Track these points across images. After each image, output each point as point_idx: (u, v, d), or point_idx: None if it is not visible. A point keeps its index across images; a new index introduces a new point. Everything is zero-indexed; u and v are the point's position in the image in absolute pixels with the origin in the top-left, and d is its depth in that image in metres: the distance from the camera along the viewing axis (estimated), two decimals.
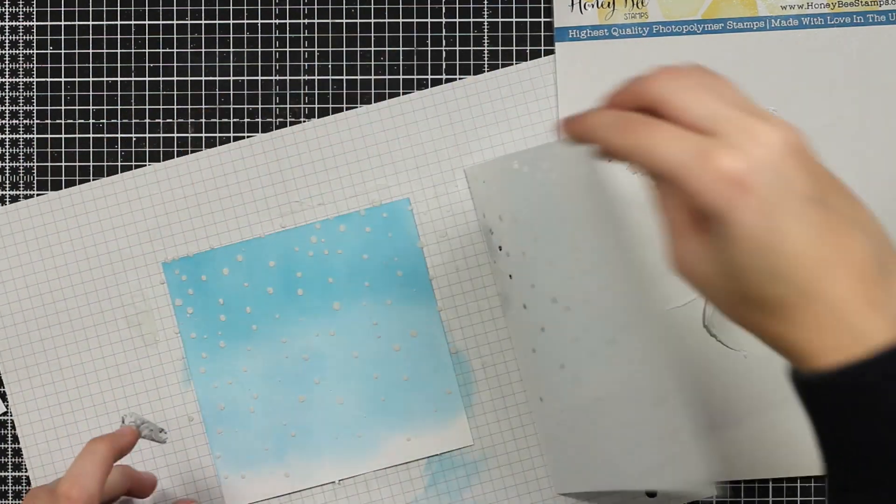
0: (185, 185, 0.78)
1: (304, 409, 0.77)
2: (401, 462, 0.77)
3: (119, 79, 0.79)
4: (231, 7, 0.79)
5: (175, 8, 0.79)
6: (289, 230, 0.77)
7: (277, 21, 0.79)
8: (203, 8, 0.78)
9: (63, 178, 0.78)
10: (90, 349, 0.77)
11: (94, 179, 0.78)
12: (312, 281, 0.77)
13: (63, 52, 0.78)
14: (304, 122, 0.78)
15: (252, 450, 0.76)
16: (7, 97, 0.78)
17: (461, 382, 0.77)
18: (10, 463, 0.78)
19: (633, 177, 0.74)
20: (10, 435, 0.78)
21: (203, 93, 0.78)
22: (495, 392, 0.78)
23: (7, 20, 0.78)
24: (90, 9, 0.78)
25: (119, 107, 0.78)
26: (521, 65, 0.78)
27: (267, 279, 0.77)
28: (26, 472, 0.78)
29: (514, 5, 0.78)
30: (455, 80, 0.78)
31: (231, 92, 0.78)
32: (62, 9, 0.78)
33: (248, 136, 0.78)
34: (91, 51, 0.79)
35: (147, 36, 0.79)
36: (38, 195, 0.78)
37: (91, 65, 0.78)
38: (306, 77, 0.78)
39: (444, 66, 0.78)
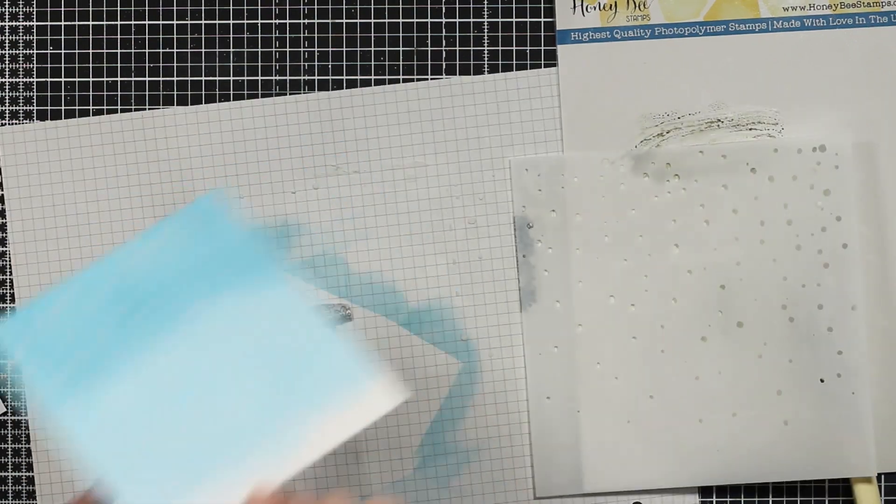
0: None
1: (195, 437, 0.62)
2: (329, 449, 0.61)
3: (119, 79, 0.78)
4: (231, 7, 0.78)
5: (175, 8, 0.78)
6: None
7: (277, 21, 0.78)
8: (203, 8, 0.78)
9: None
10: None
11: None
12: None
13: (63, 52, 0.78)
14: (352, 90, 0.78)
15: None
16: (7, 97, 0.78)
17: (468, 370, 0.78)
18: (10, 463, 0.78)
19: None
20: (10, 435, 0.78)
21: (203, 93, 0.78)
22: (498, 385, 0.78)
23: (7, 20, 0.78)
24: (90, 9, 0.78)
25: (119, 107, 0.78)
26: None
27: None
28: (26, 472, 0.78)
29: (514, 5, 0.78)
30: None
31: (231, 92, 0.78)
32: (62, 9, 0.78)
33: (291, 95, 0.78)
34: (91, 51, 0.78)
35: (147, 36, 0.78)
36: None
37: (91, 65, 0.78)
38: (306, 77, 0.78)
39: (444, 67, 0.78)
